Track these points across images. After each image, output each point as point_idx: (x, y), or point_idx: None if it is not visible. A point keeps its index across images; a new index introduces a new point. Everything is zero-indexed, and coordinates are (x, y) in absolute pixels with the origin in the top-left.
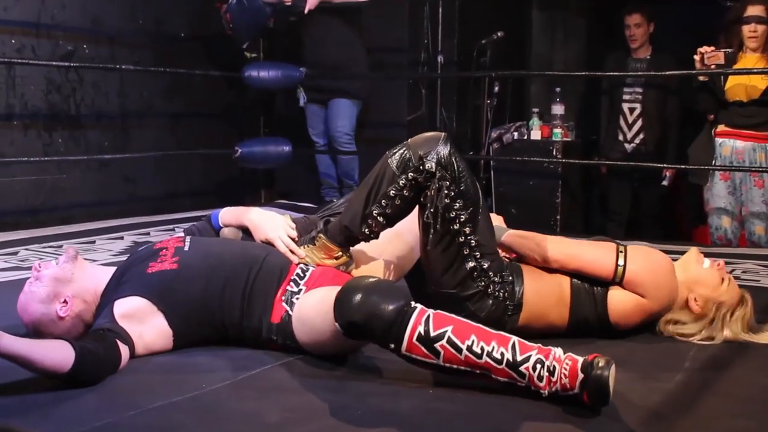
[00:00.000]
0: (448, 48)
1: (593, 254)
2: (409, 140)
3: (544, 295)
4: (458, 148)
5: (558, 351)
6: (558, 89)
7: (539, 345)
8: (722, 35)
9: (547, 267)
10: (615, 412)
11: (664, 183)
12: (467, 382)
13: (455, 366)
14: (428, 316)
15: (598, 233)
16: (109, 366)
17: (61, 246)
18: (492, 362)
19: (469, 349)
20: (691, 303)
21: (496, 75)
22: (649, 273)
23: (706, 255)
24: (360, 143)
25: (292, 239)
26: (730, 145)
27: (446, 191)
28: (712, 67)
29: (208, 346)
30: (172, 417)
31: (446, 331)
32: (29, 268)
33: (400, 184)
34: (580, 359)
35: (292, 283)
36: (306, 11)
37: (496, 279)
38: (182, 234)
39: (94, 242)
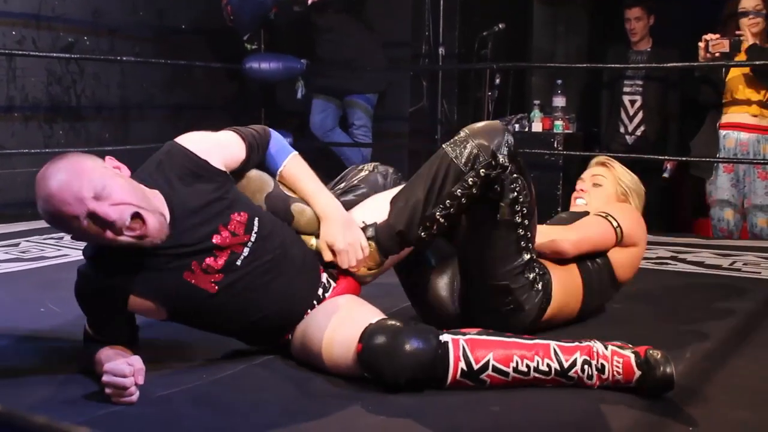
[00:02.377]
0: (449, 40)
1: (596, 230)
2: (468, 132)
3: (564, 284)
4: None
5: (598, 346)
6: (559, 81)
7: (577, 343)
8: (720, 28)
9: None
10: (616, 400)
11: (665, 175)
12: None
13: (500, 385)
14: (464, 348)
15: None
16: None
17: (62, 238)
18: (540, 375)
19: (515, 370)
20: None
21: (498, 67)
22: (634, 223)
23: (708, 247)
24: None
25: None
26: (734, 137)
27: (518, 185)
28: (717, 55)
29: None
30: (172, 408)
31: (488, 361)
32: (30, 260)
33: (470, 181)
34: (631, 355)
35: (320, 288)
36: (309, 2)
37: (539, 272)
38: (250, 216)
39: None
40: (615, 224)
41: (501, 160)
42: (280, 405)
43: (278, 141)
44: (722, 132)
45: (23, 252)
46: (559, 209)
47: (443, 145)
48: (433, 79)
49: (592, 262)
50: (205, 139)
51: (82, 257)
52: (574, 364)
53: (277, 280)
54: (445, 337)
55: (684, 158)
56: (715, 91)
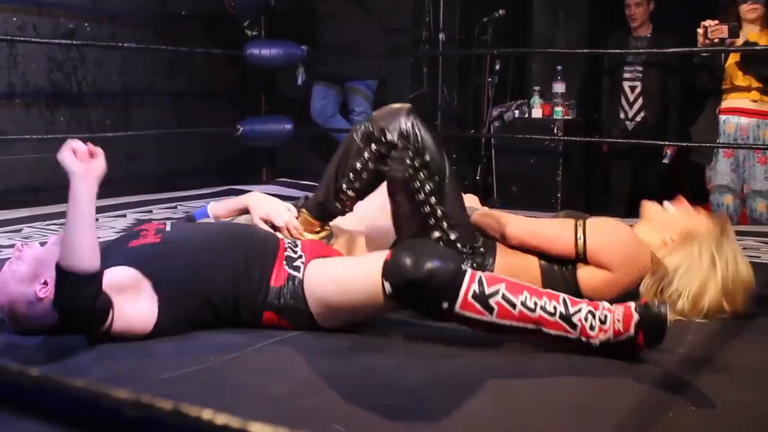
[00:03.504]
0: (449, 26)
1: (552, 230)
2: (373, 113)
3: (515, 272)
4: (424, 120)
5: (605, 303)
6: (559, 67)
7: (587, 299)
8: (720, 14)
9: (517, 247)
10: (617, 385)
11: (665, 161)
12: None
13: (508, 322)
14: (480, 277)
15: (599, 211)
16: (102, 311)
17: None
18: (545, 315)
19: (523, 303)
20: (666, 243)
21: (498, 53)
22: (609, 244)
23: None
24: None
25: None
26: (734, 122)
27: (409, 162)
28: (716, 41)
29: (196, 329)
30: (181, 389)
31: (499, 289)
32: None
33: (365, 156)
34: (632, 304)
35: (288, 250)
36: None
37: (465, 250)
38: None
39: (97, 220)
40: (579, 235)
41: (389, 137)
42: (286, 387)
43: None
44: (722, 117)
45: (26, 238)
46: (558, 195)
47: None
48: (434, 65)
49: (557, 265)
50: None
51: None
52: (578, 311)
53: (211, 226)
54: (467, 266)
55: (684, 144)
56: (715, 77)
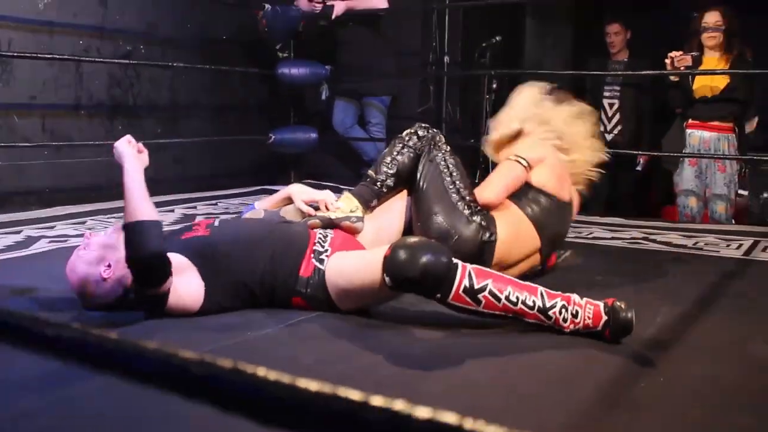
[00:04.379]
0: (453, 50)
1: (503, 173)
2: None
3: (512, 224)
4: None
5: (576, 297)
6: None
7: (560, 293)
8: (687, 42)
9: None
10: (596, 359)
11: (638, 168)
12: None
13: (490, 312)
14: (470, 271)
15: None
16: (166, 262)
17: (122, 216)
18: (525, 308)
19: (507, 298)
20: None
21: (495, 73)
22: (531, 147)
23: (674, 229)
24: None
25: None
26: (698, 136)
27: (440, 152)
28: (682, 68)
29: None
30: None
31: (487, 284)
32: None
33: (399, 144)
34: (600, 304)
35: (317, 245)
36: (333, 17)
37: (474, 207)
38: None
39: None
40: (522, 162)
41: (422, 133)
42: (313, 358)
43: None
44: (688, 131)
45: (90, 228)
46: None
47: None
48: (439, 84)
49: (525, 199)
50: None
51: None
52: (554, 306)
53: (253, 221)
54: (457, 261)
55: (654, 153)
56: (683, 96)
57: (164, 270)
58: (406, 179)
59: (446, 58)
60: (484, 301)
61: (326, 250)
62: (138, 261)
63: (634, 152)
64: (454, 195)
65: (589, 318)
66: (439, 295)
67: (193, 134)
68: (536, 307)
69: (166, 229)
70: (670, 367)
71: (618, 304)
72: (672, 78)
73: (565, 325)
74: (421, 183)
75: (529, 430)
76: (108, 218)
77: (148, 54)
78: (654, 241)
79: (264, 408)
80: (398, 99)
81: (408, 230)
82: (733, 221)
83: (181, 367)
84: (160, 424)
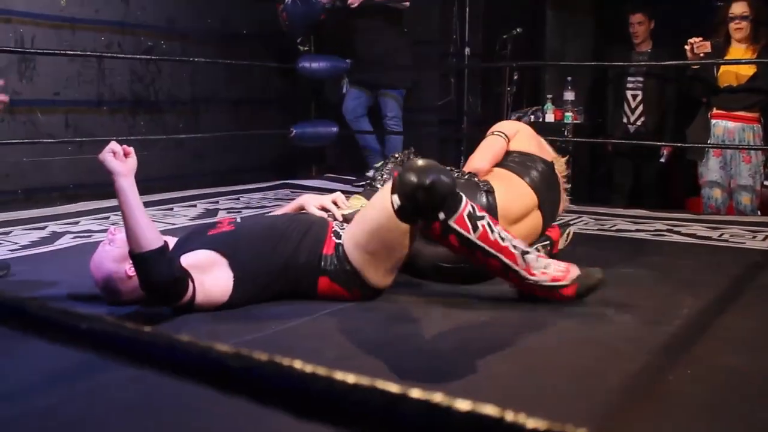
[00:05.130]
0: (474, 42)
1: (487, 144)
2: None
3: (501, 177)
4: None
5: (548, 260)
6: (569, 78)
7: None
8: (713, 31)
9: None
10: (622, 352)
11: (662, 160)
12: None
13: (482, 244)
14: (472, 204)
15: (603, 203)
16: (180, 280)
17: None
18: (510, 247)
19: (499, 233)
20: None
21: (516, 65)
22: (507, 123)
23: (699, 221)
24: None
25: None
26: (722, 126)
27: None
28: (701, 55)
29: (264, 302)
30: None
31: (485, 215)
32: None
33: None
34: (573, 265)
35: (336, 227)
36: (349, 3)
37: (481, 185)
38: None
39: (171, 209)
40: (501, 136)
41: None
42: (336, 352)
43: None
44: (712, 121)
45: (113, 224)
46: (569, 186)
47: None
48: (460, 76)
49: (511, 161)
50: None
51: (163, 228)
52: (530, 252)
53: (275, 215)
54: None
55: (678, 144)
56: (707, 86)
57: (178, 289)
58: None
59: (467, 51)
60: (481, 230)
61: (344, 229)
62: (151, 289)
63: (658, 143)
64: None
65: (559, 271)
66: (443, 216)
67: (214, 129)
68: (519, 251)
69: (191, 223)
70: (697, 359)
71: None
72: (693, 66)
73: (535, 273)
74: None
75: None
76: None
77: (169, 49)
78: (678, 233)
79: (300, 400)
80: (414, 91)
81: None
82: (759, 212)
83: (217, 359)
84: (193, 415)
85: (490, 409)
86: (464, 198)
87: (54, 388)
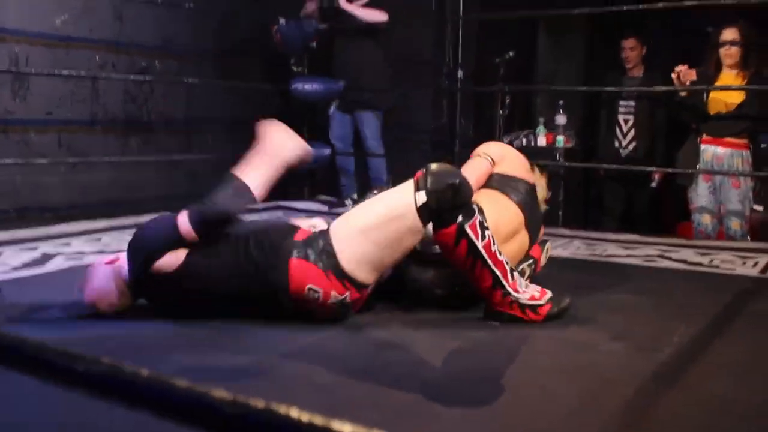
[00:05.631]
0: (467, 65)
1: (472, 167)
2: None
3: (487, 197)
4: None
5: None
6: (561, 102)
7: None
8: (704, 57)
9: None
10: (615, 379)
11: (653, 185)
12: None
13: (484, 254)
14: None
15: (594, 227)
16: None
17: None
18: (504, 263)
19: (497, 247)
20: None
21: (508, 89)
22: (493, 146)
23: (690, 246)
24: (390, 146)
25: None
26: (711, 152)
27: None
28: (687, 83)
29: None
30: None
31: (489, 227)
32: (111, 252)
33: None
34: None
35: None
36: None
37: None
38: None
39: None
40: (487, 158)
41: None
42: (330, 378)
43: None
44: (702, 147)
45: (105, 245)
46: (560, 212)
47: None
48: (453, 99)
49: (495, 183)
50: None
51: None
52: (515, 274)
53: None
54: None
55: (669, 169)
56: (696, 112)
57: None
58: None
59: (460, 73)
60: (486, 239)
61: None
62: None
63: (649, 169)
64: None
65: (537, 292)
66: (460, 219)
67: (208, 150)
68: (508, 268)
69: None
70: (688, 386)
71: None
72: (682, 93)
73: (520, 290)
74: None
75: None
76: (122, 234)
77: (163, 69)
78: (669, 258)
79: None
80: (401, 112)
81: None
82: (749, 237)
83: (213, 405)
84: None
85: None
86: (476, 206)
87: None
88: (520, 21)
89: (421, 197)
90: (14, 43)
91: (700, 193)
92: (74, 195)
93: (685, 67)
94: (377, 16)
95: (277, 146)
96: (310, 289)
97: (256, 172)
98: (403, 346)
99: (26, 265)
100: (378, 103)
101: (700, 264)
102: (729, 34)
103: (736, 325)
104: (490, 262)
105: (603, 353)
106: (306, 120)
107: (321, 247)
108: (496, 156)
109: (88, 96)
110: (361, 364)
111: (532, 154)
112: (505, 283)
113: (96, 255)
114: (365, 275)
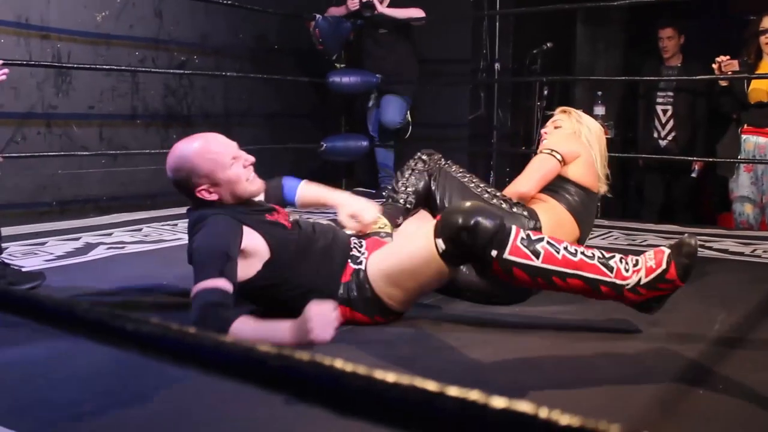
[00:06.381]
0: (504, 57)
1: (537, 165)
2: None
3: (550, 211)
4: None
5: (633, 256)
6: (599, 93)
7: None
8: (744, 46)
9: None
10: (654, 366)
11: (693, 175)
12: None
13: (552, 267)
14: (525, 231)
15: (633, 218)
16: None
17: (176, 225)
18: (585, 258)
19: (566, 249)
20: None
21: (546, 80)
22: (566, 141)
23: (731, 237)
24: (427, 139)
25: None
26: (753, 141)
27: (443, 164)
28: (729, 73)
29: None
30: None
31: (543, 237)
32: (152, 242)
33: (406, 171)
34: (663, 246)
35: (354, 250)
36: (377, 11)
37: (524, 213)
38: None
39: None
40: (550, 151)
41: (426, 158)
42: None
43: (287, 180)
44: (743, 137)
45: (145, 236)
46: (598, 204)
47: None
48: (490, 91)
49: (564, 192)
50: None
51: None
52: (613, 257)
53: (320, 229)
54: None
55: (709, 159)
56: (737, 101)
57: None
58: (423, 199)
59: (497, 65)
60: (543, 252)
61: (363, 254)
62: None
63: (689, 159)
64: (486, 195)
65: (651, 259)
66: (495, 252)
67: (246, 142)
68: (596, 258)
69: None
70: (728, 375)
71: (680, 240)
72: (721, 83)
73: (627, 275)
74: (445, 200)
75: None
76: (163, 226)
77: (201, 64)
78: (710, 248)
79: (341, 398)
80: (449, 106)
81: None
82: None
83: (259, 359)
84: (238, 415)
85: (524, 406)
86: (513, 227)
87: (97, 392)
88: (558, 13)
89: (441, 244)
90: (57, 40)
91: (742, 183)
92: (115, 187)
93: (727, 57)
94: (414, 13)
95: (305, 337)
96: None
97: (263, 330)
98: (438, 335)
99: (69, 254)
100: (402, 90)
101: (741, 254)
102: None
103: None
104: (566, 270)
105: (642, 339)
106: (344, 112)
107: (364, 294)
108: (568, 155)
109: (128, 90)
110: (397, 354)
111: None
112: (606, 278)
113: (136, 245)
114: (408, 306)
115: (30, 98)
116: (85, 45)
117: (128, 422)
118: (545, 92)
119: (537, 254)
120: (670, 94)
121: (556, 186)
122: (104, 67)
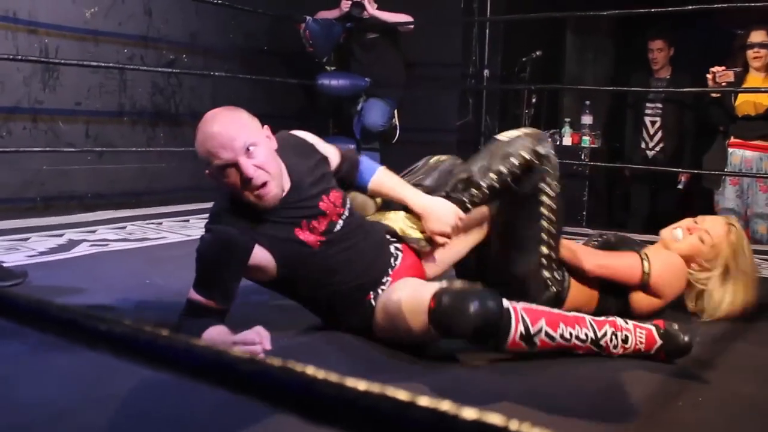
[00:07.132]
0: (493, 64)
1: (623, 264)
2: (521, 131)
3: (579, 303)
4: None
5: (620, 321)
6: (587, 102)
7: (605, 318)
8: (731, 59)
9: (585, 278)
10: (634, 378)
11: (679, 186)
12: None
13: (544, 350)
14: (522, 315)
15: (619, 228)
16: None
17: (161, 223)
18: (578, 342)
19: (561, 336)
20: (699, 268)
21: (534, 88)
22: (670, 278)
23: None
24: (415, 144)
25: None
26: (739, 155)
27: (549, 178)
28: (723, 84)
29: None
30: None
31: (542, 326)
32: (135, 240)
33: (516, 163)
34: (652, 327)
35: (385, 275)
36: (366, 11)
37: (558, 276)
38: (344, 194)
39: (188, 221)
40: (646, 269)
41: (542, 151)
42: (347, 368)
43: (366, 160)
44: (730, 149)
45: (129, 234)
46: (584, 212)
47: (496, 136)
48: (479, 97)
49: (612, 296)
50: (312, 136)
51: (179, 240)
52: (604, 334)
53: (360, 248)
54: (506, 303)
55: (696, 171)
56: (725, 114)
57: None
58: (499, 195)
59: (486, 72)
60: (539, 343)
61: (386, 281)
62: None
63: (676, 170)
64: (543, 248)
65: (641, 342)
66: (491, 341)
67: None
68: (588, 339)
69: None
70: (708, 386)
71: (673, 327)
72: (712, 94)
73: (615, 351)
74: (515, 220)
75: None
76: (147, 224)
77: (190, 63)
78: None
79: (311, 406)
80: (437, 111)
81: (474, 251)
82: None
83: (231, 364)
84: (208, 419)
85: (495, 419)
86: (512, 316)
87: (64, 396)
88: (547, 21)
89: (436, 333)
90: (45, 35)
91: (727, 196)
92: (100, 185)
93: (722, 68)
94: (403, 17)
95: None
96: None
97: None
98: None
99: (52, 251)
100: (387, 93)
101: None
102: (758, 36)
103: (760, 327)
104: (557, 350)
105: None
106: (332, 115)
107: (364, 324)
108: (657, 281)
109: (116, 88)
110: (380, 357)
111: (557, 153)
112: (591, 353)
113: (120, 243)
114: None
115: (16, 93)
116: (73, 41)
117: (104, 423)
118: (533, 100)
119: (533, 346)
120: (659, 105)
121: (614, 292)
122: (92, 63)
